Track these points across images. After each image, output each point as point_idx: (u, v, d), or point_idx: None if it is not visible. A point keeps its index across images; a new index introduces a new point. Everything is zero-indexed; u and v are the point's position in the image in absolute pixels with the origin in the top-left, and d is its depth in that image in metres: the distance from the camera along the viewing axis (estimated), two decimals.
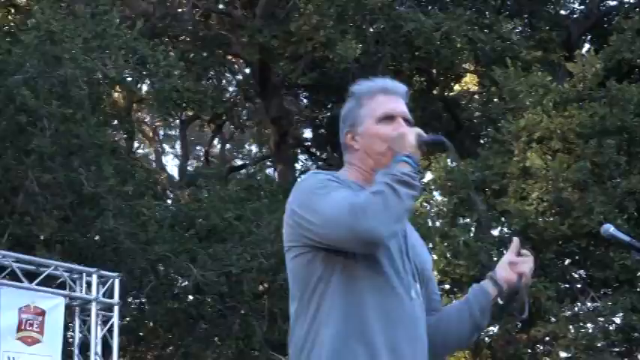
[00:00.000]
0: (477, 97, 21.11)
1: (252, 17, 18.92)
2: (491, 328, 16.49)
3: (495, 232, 16.91)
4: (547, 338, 15.44)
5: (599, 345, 14.68)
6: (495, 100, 18.05)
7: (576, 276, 16.81)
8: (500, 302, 3.00)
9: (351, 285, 2.66)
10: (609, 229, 3.58)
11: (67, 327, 12.08)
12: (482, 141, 19.10)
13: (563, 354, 15.02)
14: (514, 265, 3.00)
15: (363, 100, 2.90)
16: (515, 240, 3.04)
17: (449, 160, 16.36)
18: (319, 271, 2.69)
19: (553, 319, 15.32)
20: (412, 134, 2.77)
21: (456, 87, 21.23)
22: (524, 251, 3.01)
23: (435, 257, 15.87)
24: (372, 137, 2.84)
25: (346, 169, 2.89)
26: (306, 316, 2.71)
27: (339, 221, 2.58)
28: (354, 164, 2.88)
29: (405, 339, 2.67)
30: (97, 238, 14.56)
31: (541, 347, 16.16)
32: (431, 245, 16.06)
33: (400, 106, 2.90)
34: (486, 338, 16.68)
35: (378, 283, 2.67)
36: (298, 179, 2.84)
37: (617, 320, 15.27)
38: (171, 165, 29.40)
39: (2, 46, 13.59)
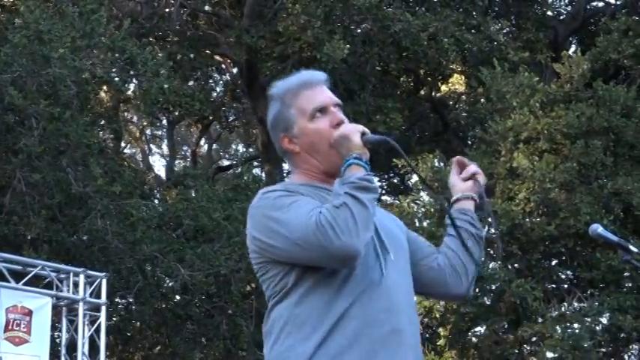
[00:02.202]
0: (464, 97, 21.17)
1: (240, 17, 18.91)
2: (478, 328, 16.55)
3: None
4: (534, 338, 15.48)
5: (585, 345, 14.72)
6: (482, 100, 18.10)
7: (563, 276, 16.86)
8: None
9: (323, 292, 2.59)
10: (597, 229, 3.61)
11: (55, 327, 12.09)
12: (469, 142, 19.15)
13: (549, 354, 15.06)
14: (463, 175, 2.99)
15: (286, 100, 2.79)
16: (454, 159, 3.03)
17: (436, 161, 16.40)
18: (291, 280, 2.62)
19: (540, 320, 15.37)
20: (356, 134, 2.67)
21: (443, 88, 21.27)
22: (462, 159, 3.02)
23: None
24: (310, 136, 2.75)
25: (292, 175, 2.82)
26: (277, 308, 2.66)
27: (308, 242, 2.50)
28: (299, 167, 2.80)
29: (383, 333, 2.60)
30: (84, 238, 14.54)
31: (528, 347, 16.21)
32: None
33: (327, 95, 2.80)
34: (473, 338, 16.73)
35: (352, 285, 2.60)
36: (251, 203, 2.76)
37: (604, 320, 15.33)
38: (159, 165, 29.37)
39: None
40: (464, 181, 2.99)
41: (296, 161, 2.80)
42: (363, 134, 2.68)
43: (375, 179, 2.66)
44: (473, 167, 2.98)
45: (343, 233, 2.47)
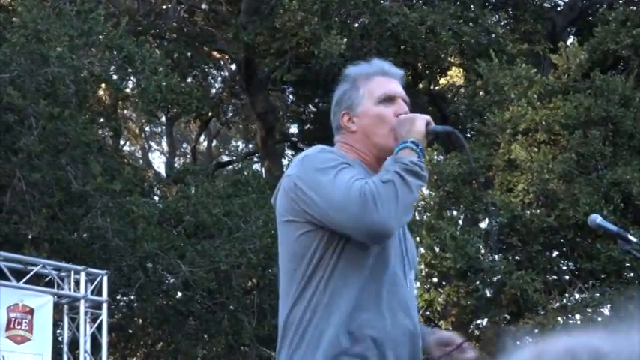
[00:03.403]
0: (462, 90, 21.15)
1: (237, 13, 18.90)
2: (479, 320, 16.58)
3: (482, 225, 16.98)
4: (535, 330, 15.50)
5: None
6: (481, 93, 18.10)
7: (564, 268, 16.88)
8: None
9: (354, 272, 2.58)
10: (596, 219, 3.62)
11: (56, 325, 12.10)
12: (468, 134, 19.15)
13: None
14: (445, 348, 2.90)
15: (359, 81, 2.81)
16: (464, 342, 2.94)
17: (435, 154, 16.42)
18: (320, 252, 2.60)
19: (541, 311, 15.39)
20: (422, 120, 2.70)
21: (442, 81, 21.27)
22: (469, 346, 2.94)
23: (422, 250, 15.91)
24: (372, 118, 2.76)
25: (343, 151, 2.78)
26: (302, 297, 2.61)
27: (346, 208, 2.48)
28: (351, 146, 2.78)
29: (400, 327, 2.64)
30: (85, 236, 14.55)
31: (530, 339, 16.23)
32: (418, 239, 16.12)
33: (399, 88, 2.83)
34: (475, 331, 16.76)
35: (381, 271, 2.62)
36: (302, 153, 2.74)
37: (605, 311, 15.34)
38: (158, 162, 29.37)
39: None
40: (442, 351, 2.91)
41: (350, 139, 2.79)
42: (427, 124, 2.71)
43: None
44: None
45: (383, 208, 2.46)
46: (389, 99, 2.78)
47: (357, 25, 17.83)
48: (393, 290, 2.63)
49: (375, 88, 2.79)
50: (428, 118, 2.73)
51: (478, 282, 15.69)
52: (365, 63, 2.87)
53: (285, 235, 2.69)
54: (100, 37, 14.04)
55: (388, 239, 2.56)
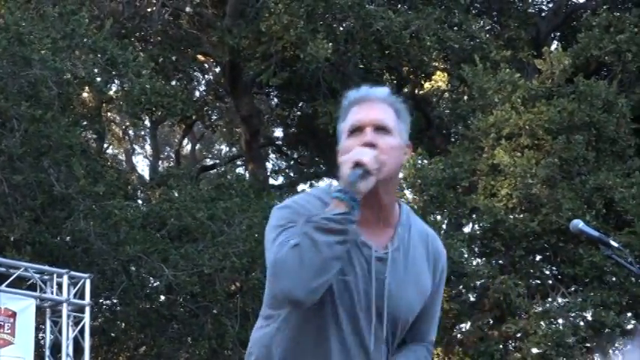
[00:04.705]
0: (446, 95, 21.20)
1: (222, 16, 18.88)
2: (463, 325, 16.60)
3: (466, 229, 17.00)
4: (518, 334, 15.54)
5: (569, 341, 14.79)
6: (465, 97, 18.15)
7: (547, 272, 16.93)
8: None
9: (299, 326, 2.61)
10: (578, 224, 3.62)
11: (39, 328, 12.05)
12: (452, 139, 19.20)
13: (534, 350, 15.13)
14: None
15: (345, 113, 2.68)
16: None
17: (419, 158, 16.45)
18: (270, 302, 2.67)
19: (524, 316, 15.43)
20: (347, 164, 2.49)
21: (426, 85, 21.31)
22: None
23: None
24: (341, 155, 2.60)
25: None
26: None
27: (268, 275, 2.51)
28: None
29: None
30: (67, 239, 14.50)
31: (513, 343, 16.27)
32: None
33: (369, 114, 2.62)
34: (459, 335, 16.78)
35: (317, 327, 2.58)
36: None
37: (588, 316, 15.39)
38: (142, 165, 29.31)
39: None
40: None
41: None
42: (356, 165, 2.49)
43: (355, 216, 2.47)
44: None
45: (286, 277, 2.41)
46: (355, 130, 2.62)
47: (341, 29, 17.84)
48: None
49: (347, 122, 2.66)
50: (357, 158, 2.49)
51: (461, 286, 15.71)
52: (355, 90, 2.72)
53: None
54: (84, 39, 13.99)
55: (307, 305, 2.48)
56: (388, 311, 2.61)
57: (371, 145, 2.56)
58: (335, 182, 2.58)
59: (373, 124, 2.61)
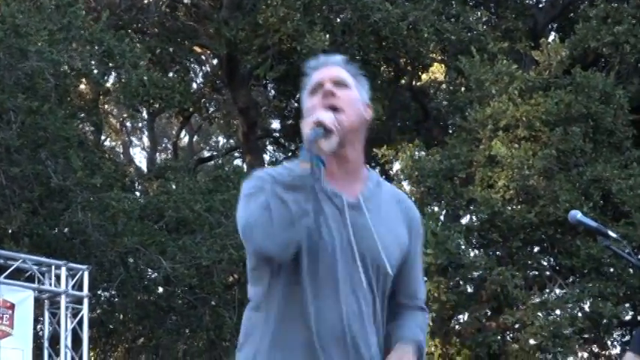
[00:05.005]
0: (444, 86, 21.19)
1: (219, 8, 18.86)
2: (460, 316, 16.63)
3: (463, 221, 17.02)
4: (516, 325, 15.56)
5: (566, 332, 14.82)
6: (462, 89, 18.14)
7: (544, 263, 16.94)
8: None
9: (277, 288, 2.66)
10: (576, 215, 3.63)
11: (37, 320, 12.06)
12: (449, 130, 19.19)
13: (531, 341, 15.15)
14: None
15: (307, 82, 2.83)
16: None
17: (416, 150, 16.46)
18: (259, 269, 2.70)
19: (521, 307, 15.44)
20: (307, 125, 2.59)
21: (424, 77, 21.30)
22: None
23: None
24: (304, 114, 2.75)
25: None
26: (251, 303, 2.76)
27: (241, 236, 2.60)
28: None
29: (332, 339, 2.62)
30: (65, 230, 14.50)
31: (510, 334, 16.30)
32: None
33: (327, 72, 2.76)
34: (456, 326, 16.80)
35: (308, 284, 2.63)
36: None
37: (586, 307, 15.42)
38: (140, 157, 29.29)
39: None
40: None
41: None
42: (317, 124, 2.58)
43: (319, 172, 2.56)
44: None
45: (259, 234, 2.52)
46: (314, 90, 2.76)
47: (339, 20, 17.82)
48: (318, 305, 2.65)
49: (308, 85, 2.80)
50: (317, 119, 2.59)
51: (459, 278, 15.73)
52: (311, 61, 2.87)
53: None
54: (81, 31, 13.97)
55: (282, 258, 2.56)
56: (367, 255, 2.67)
57: (331, 93, 2.71)
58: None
59: (332, 80, 2.74)
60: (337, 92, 2.72)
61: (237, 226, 2.64)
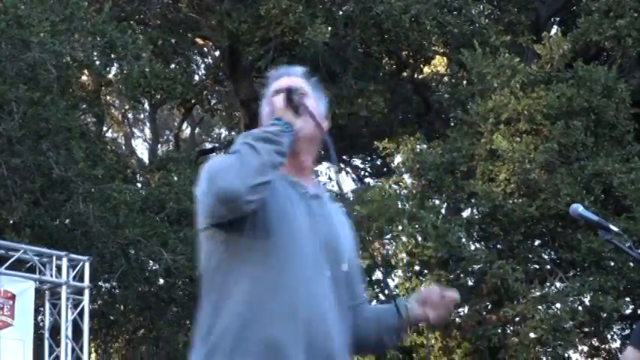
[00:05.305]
0: (446, 79, 21.18)
1: (221, 0, 18.84)
2: (460, 309, 16.64)
3: (464, 214, 17.02)
4: (517, 319, 15.58)
5: (566, 326, 14.83)
6: (464, 82, 18.13)
7: (545, 257, 16.95)
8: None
9: (251, 262, 2.64)
10: (578, 208, 3.64)
11: (38, 311, 12.08)
12: (451, 123, 19.18)
13: (532, 334, 15.17)
14: (430, 302, 2.83)
15: (268, 91, 2.93)
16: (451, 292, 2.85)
17: (417, 143, 16.46)
18: (221, 250, 2.71)
19: (522, 300, 15.45)
20: (280, 95, 2.75)
21: (425, 69, 21.29)
22: (451, 296, 2.82)
23: (404, 239, 15.95)
24: (264, 119, 2.85)
25: None
26: (211, 295, 2.78)
27: (205, 191, 2.60)
28: None
29: (307, 311, 2.62)
30: (67, 221, 14.51)
31: (511, 328, 16.31)
32: (400, 227, 16.15)
33: (289, 81, 2.86)
34: (457, 319, 16.81)
35: (281, 260, 2.63)
36: None
37: (586, 301, 15.42)
38: (141, 148, 29.29)
39: None
40: (424, 305, 2.84)
41: None
42: (289, 92, 2.74)
43: (286, 139, 2.64)
44: (438, 310, 2.83)
45: (227, 175, 2.52)
46: (275, 94, 2.85)
47: (341, 13, 17.80)
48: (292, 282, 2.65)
49: (268, 93, 2.91)
50: (290, 85, 2.77)
51: (459, 271, 15.75)
52: (272, 71, 2.99)
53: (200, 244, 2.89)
54: (83, 22, 13.97)
55: (241, 204, 2.54)
56: (330, 244, 2.72)
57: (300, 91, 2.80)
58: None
59: (289, 88, 2.81)
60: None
61: (202, 190, 2.63)
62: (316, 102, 2.86)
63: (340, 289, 2.72)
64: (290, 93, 2.73)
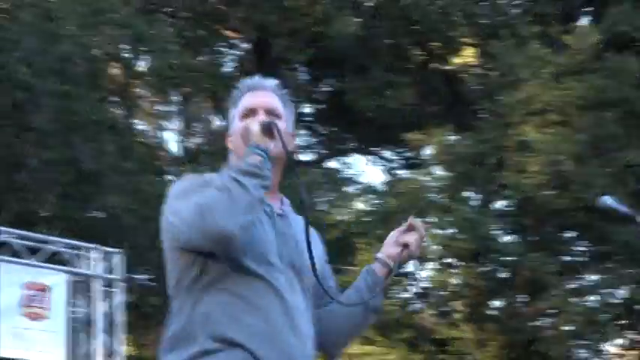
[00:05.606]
0: (475, 70, 21.08)
1: None
2: (494, 302, 16.59)
3: (496, 206, 16.96)
4: (551, 312, 15.51)
5: (601, 319, 14.76)
6: (493, 73, 18.04)
7: (578, 249, 16.84)
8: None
9: (225, 283, 2.64)
10: (607, 200, 3.63)
11: (70, 303, 12.15)
12: (480, 115, 19.09)
13: (566, 327, 15.09)
14: (401, 238, 2.91)
15: (236, 102, 2.93)
16: (409, 218, 2.94)
17: (447, 135, 16.41)
18: (193, 272, 2.69)
19: (556, 293, 15.37)
20: (255, 123, 2.73)
21: (455, 61, 21.19)
22: (415, 223, 2.90)
23: (438, 231, 15.88)
24: (235, 136, 2.85)
25: None
26: (181, 313, 2.71)
27: (191, 223, 2.57)
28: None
29: (286, 327, 2.64)
30: (98, 214, 14.59)
31: (544, 320, 16.23)
32: (432, 220, 16.10)
33: (262, 99, 2.88)
34: (490, 312, 16.76)
35: (252, 280, 2.65)
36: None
37: (621, 294, 15.34)
38: (171, 141, 29.34)
39: None
40: (397, 244, 2.91)
41: (233, 160, 2.86)
42: (261, 123, 2.73)
43: (267, 169, 2.64)
44: (409, 237, 2.90)
45: (220, 214, 2.51)
46: (249, 113, 2.85)
47: (368, 4, 17.78)
48: (265, 298, 2.67)
49: (241, 106, 2.89)
50: (271, 121, 2.75)
51: (492, 263, 15.69)
52: (245, 80, 2.97)
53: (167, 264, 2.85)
54: (112, 15, 14.04)
55: (233, 243, 2.56)
56: (296, 263, 2.76)
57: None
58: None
59: (265, 108, 2.85)
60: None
61: (169, 222, 2.67)
62: (286, 122, 2.88)
63: (308, 301, 2.78)
64: (270, 126, 2.71)
